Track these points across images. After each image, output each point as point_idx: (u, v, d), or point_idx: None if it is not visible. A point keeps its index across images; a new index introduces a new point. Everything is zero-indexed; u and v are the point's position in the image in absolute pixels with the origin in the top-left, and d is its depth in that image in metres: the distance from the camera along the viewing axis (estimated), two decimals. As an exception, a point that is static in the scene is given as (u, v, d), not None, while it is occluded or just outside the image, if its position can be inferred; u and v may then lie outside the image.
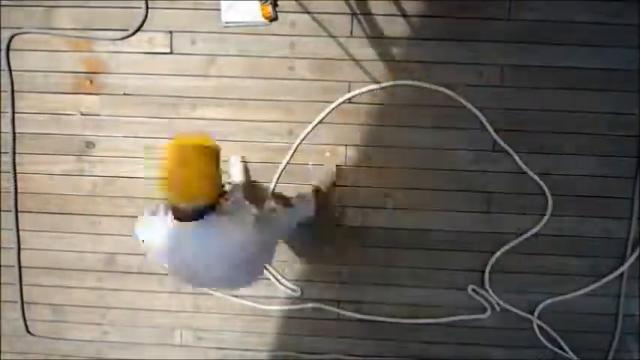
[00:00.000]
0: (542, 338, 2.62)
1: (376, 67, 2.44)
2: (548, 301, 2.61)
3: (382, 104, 2.48)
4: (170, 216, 1.54)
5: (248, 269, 1.81)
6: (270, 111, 2.51)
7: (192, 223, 1.51)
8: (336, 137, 2.52)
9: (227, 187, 1.84)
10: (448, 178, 2.51)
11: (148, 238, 1.65)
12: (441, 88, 2.43)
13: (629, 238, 2.53)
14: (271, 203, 2.06)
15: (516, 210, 2.53)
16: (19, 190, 2.65)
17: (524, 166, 2.48)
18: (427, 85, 2.43)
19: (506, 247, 2.54)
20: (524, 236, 2.53)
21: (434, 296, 2.63)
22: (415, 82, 2.44)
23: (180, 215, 1.51)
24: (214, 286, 2.22)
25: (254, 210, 1.73)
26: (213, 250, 1.58)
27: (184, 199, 1.49)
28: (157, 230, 1.59)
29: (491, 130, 2.45)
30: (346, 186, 2.55)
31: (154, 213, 1.64)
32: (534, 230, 2.52)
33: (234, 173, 2.48)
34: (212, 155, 1.55)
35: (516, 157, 2.47)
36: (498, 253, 2.56)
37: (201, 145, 1.54)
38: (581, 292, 2.60)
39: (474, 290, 2.60)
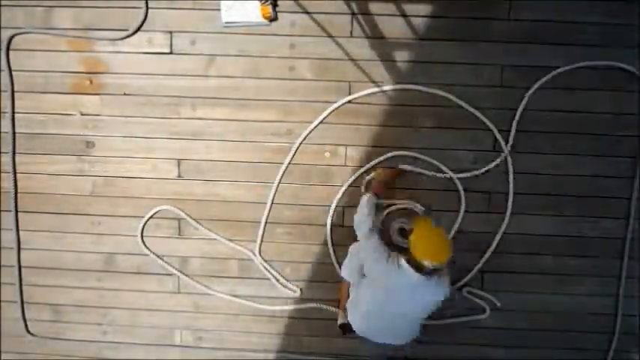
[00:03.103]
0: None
1: (376, 67, 2.44)
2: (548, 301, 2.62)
3: (382, 104, 2.48)
4: (404, 262, 1.99)
5: (417, 327, 2.22)
6: (271, 111, 2.51)
7: (423, 276, 1.96)
8: (336, 137, 2.52)
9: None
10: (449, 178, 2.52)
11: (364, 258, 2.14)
12: (443, 93, 2.43)
13: (627, 237, 2.53)
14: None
15: (517, 210, 2.53)
16: (19, 190, 2.65)
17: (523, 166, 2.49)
18: (428, 90, 2.43)
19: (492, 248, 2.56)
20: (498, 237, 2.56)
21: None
22: (418, 87, 2.44)
23: (420, 270, 1.95)
24: (389, 335, 2.28)
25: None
26: (420, 300, 2.04)
27: (437, 260, 1.92)
28: (387, 265, 2.03)
29: (494, 129, 2.45)
30: (349, 186, 2.56)
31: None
32: (500, 231, 2.54)
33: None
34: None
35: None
36: (488, 254, 2.56)
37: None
38: (581, 292, 2.60)
39: (469, 292, 2.60)
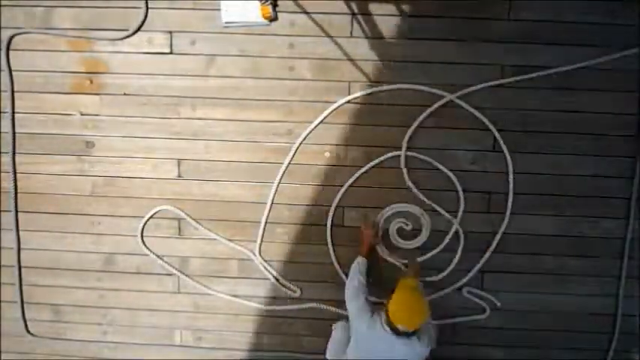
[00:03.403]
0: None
1: (376, 67, 2.44)
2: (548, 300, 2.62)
3: (382, 104, 2.48)
4: (384, 322, 2.09)
5: None
6: (270, 111, 2.51)
7: (401, 337, 2.06)
8: (336, 137, 2.52)
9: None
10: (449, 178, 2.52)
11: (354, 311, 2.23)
12: (441, 92, 2.43)
13: (627, 238, 2.53)
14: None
15: (517, 210, 2.53)
16: (19, 190, 2.65)
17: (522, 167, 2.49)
18: (428, 90, 2.44)
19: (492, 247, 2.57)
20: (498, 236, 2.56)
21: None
22: (418, 87, 2.44)
23: (396, 332, 2.06)
24: None
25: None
26: (405, 357, 2.10)
27: (411, 326, 2.03)
28: (365, 320, 2.16)
29: (493, 129, 2.45)
30: (349, 186, 2.56)
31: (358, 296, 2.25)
32: (500, 230, 2.55)
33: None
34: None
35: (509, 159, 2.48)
36: (488, 254, 2.57)
37: (421, 286, 2.27)
38: (581, 292, 2.60)
39: (469, 292, 2.60)
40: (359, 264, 2.40)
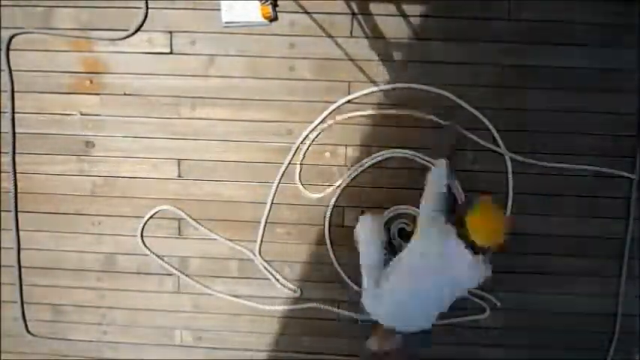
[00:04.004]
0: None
1: (376, 67, 2.44)
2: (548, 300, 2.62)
3: (382, 104, 2.48)
4: (462, 245, 2.00)
5: (442, 304, 2.17)
6: (270, 111, 2.51)
7: (477, 257, 2.02)
8: (336, 137, 2.52)
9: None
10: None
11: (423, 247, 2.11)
12: (441, 91, 2.43)
13: (627, 237, 2.53)
14: None
15: (517, 210, 2.53)
16: (19, 190, 2.65)
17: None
18: (428, 90, 2.44)
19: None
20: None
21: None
22: (418, 86, 2.44)
23: (477, 250, 1.99)
24: (417, 315, 2.21)
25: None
26: (466, 277, 2.10)
27: (494, 242, 1.99)
28: (441, 243, 2.06)
29: (493, 129, 2.45)
30: (349, 186, 2.56)
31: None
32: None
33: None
34: None
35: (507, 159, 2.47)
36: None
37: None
38: (581, 292, 2.60)
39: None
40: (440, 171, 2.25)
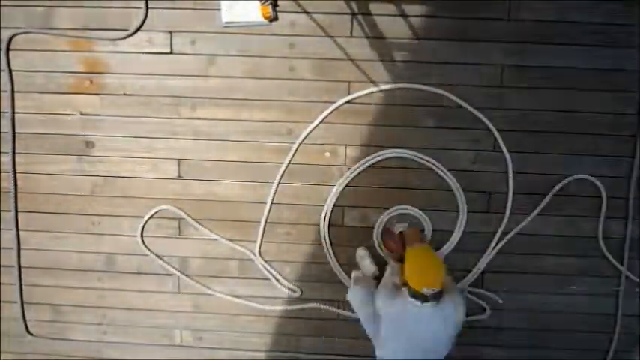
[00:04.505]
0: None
1: (376, 67, 2.44)
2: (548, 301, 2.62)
3: (382, 104, 2.48)
4: (409, 297, 1.96)
5: (443, 350, 2.10)
6: (271, 111, 2.51)
7: (431, 303, 1.94)
8: (336, 137, 2.52)
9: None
10: (448, 178, 2.52)
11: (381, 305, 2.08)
12: (441, 91, 2.43)
13: (627, 237, 2.53)
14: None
15: (518, 210, 2.53)
16: (19, 190, 2.65)
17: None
18: (428, 89, 2.44)
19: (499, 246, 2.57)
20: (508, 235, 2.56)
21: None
22: (418, 86, 2.44)
23: (424, 298, 1.93)
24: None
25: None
26: (440, 326, 2.00)
27: (435, 283, 1.91)
28: (395, 304, 2.03)
29: (493, 129, 2.45)
30: (349, 186, 2.56)
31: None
32: (500, 230, 2.55)
33: (367, 265, 2.52)
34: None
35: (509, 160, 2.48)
36: (490, 252, 2.57)
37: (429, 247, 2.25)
38: (581, 292, 2.61)
39: (470, 292, 2.60)
40: (362, 257, 2.35)
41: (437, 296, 1.94)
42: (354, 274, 2.56)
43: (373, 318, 2.18)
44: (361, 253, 2.57)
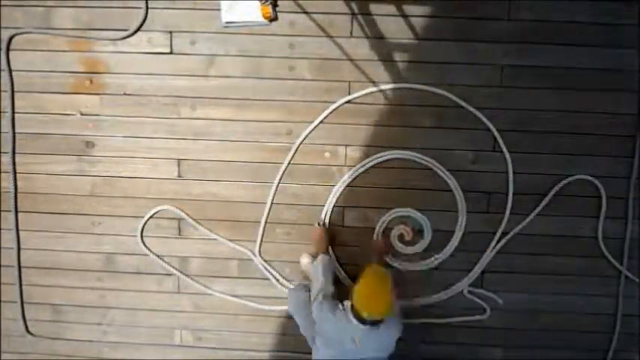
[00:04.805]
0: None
1: (376, 67, 2.44)
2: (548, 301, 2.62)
3: (382, 104, 2.48)
4: (351, 316, 2.00)
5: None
6: (270, 111, 2.51)
7: (368, 327, 1.99)
8: (336, 137, 2.52)
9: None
10: (448, 178, 2.52)
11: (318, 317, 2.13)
12: (441, 91, 2.43)
13: (627, 237, 2.53)
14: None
15: (518, 210, 2.53)
16: (19, 190, 2.65)
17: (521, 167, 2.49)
18: (428, 89, 2.44)
19: (499, 245, 2.57)
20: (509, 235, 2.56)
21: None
22: (417, 86, 2.44)
23: (362, 321, 1.98)
24: None
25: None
26: (375, 345, 2.06)
27: (376, 314, 1.95)
28: (333, 320, 2.06)
29: (493, 129, 2.45)
30: (349, 186, 2.56)
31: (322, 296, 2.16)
32: (500, 230, 2.55)
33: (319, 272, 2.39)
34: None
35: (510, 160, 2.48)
36: (490, 252, 2.57)
37: (388, 273, 2.10)
38: (581, 292, 2.61)
39: (470, 292, 2.60)
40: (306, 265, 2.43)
41: (375, 323, 1.99)
42: (304, 259, 2.59)
43: (309, 324, 2.25)
44: (304, 262, 2.58)
